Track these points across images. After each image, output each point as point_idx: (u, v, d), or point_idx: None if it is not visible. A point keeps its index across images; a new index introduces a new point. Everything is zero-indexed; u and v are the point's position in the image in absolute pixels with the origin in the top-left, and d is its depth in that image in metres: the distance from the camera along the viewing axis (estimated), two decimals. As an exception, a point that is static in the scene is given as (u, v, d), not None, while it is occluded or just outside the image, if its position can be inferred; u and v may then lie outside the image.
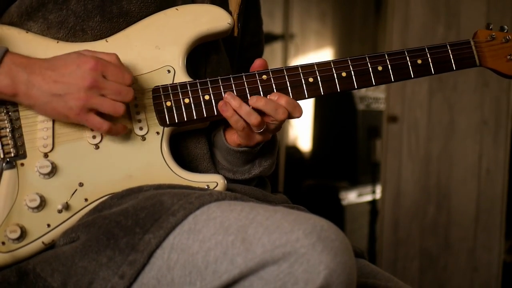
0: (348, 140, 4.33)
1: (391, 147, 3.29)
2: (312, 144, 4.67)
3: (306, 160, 4.56)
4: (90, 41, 1.11)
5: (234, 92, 1.13)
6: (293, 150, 4.50)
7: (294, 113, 1.13)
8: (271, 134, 1.19)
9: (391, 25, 3.26)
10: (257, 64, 1.16)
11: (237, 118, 1.11)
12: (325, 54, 5.20)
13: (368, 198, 4.19)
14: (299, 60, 4.80)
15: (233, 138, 1.18)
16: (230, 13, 1.21)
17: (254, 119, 1.11)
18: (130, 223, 0.96)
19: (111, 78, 1.02)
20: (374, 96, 4.41)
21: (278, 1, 4.14)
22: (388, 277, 1.17)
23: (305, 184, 4.26)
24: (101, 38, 1.11)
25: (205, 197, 0.98)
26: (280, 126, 1.17)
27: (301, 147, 4.73)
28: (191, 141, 1.19)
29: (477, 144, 3.15)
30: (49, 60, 1.03)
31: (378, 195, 3.90)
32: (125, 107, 1.03)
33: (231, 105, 1.11)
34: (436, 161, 3.22)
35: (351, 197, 4.14)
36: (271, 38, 4.07)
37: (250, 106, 1.12)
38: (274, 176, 3.77)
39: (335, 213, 3.99)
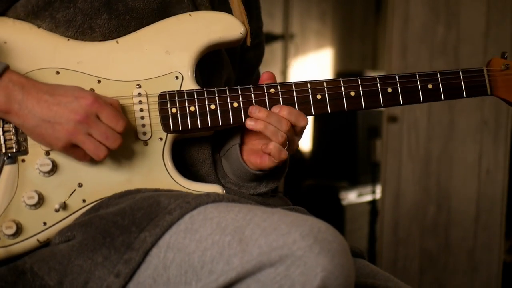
0: (348, 140, 4.33)
1: (391, 147, 3.29)
2: (312, 144, 4.67)
3: (306, 160, 4.57)
4: (100, 39, 1.10)
5: (241, 104, 1.12)
6: (293, 150, 4.49)
7: (299, 122, 1.12)
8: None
9: (391, 25, 3.26)
10: (265, 77, 1.15)
11: (273, 129, 1.09)
12: (325, 54, 5.20)
13: (368, 198, 4.19)
14: (299, 60, 4.79)
15: (253, 160, 1.15)
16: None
17: (285, 125, 1.10)
18: (126, 223, 0.96)
19: (104, 120, 1.01)
20: (374, 96, 4.40)
21: (278, 1, 4.14)
22: (388, 277, 1.16)
23: (305, 184, 4.26)
24: (109, 35, 1.10)
25: (202, 197, 0.98)
26: (295, 143, 1.15)
27: (301, 147, 4.73)
28: (194, 145, 1.18)
29: (477, 144, 3.14)
30: (50, 85, 1.02)
31: (378, 195, 3.90)
32: (107, 152, 1.01)
33: (259, 117, 1.10)
34: (436, 161, 3.22)
35: (351, 197, 4.14)
36: (271, 38, 4.07)
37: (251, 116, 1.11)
38: (274, 176, 3.77)
39: (335, 213, 3.99)
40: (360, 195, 4.20)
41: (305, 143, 4.79)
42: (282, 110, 1.11)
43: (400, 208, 3.28)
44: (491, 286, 3.12)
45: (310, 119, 4.93)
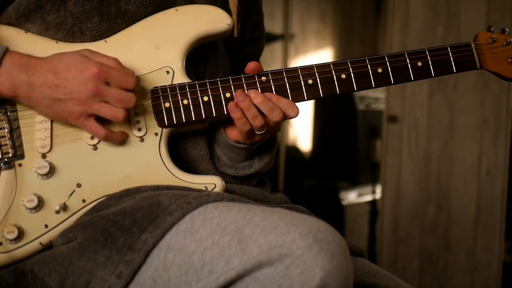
0: (348, 140, 4.33)
1: (391, 147, 3.29)
2: (312, 144, 4.67)
3: (306, 160, 4.56)
4: (89, 41, 1.11)
5: (233, 94, 1.12)
6: (293, 150, 4.50)
7: (289, 112, 1.13)
8: (269, 135, 1.19)
9: (391, 25, 3.26)
10: (251, 67, 1.15)
11: (244, 121, 1.11)
12: (325, 54, 5.20)
13: (368, 198, 4.19)
14: (299, 60, 4.79)
15: (232, 134, 1.18)
16: (230, 13, 1.20)
17: (258, 122, 1.11)
18: (127, 223, 0.96)
19: (114, 84, 1.03)
20: (374, 96, 4.41)
21: (278, 1, 4.14)
22: (388, 276, 1.17)
23: (305, 184, 4.26)
24: (100, 38, 1.11)
25: (203, 197, 0.98)
26: (279, 126, 1.17)
27: (301, 147, 4.73)
28: (190, 142, 1.19)
29: (477, 144, 3.15)
30: (50, 61, 1.03)
31: (378, 195, 3.90)
32: (126, 113, 1.04)
33: (240, 106, 1.11)
34: (436, 161, 3.22)
35: (351, 197, 4.13)
36: (271, 38, 4.06)
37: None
38: (274, 176, 3.77)
39: (335, 213, 3.99)
40: (360, 195, 4.20)
41: (305, 143, 4.79)
42: (256, 97, 1.11)
43: (400, 208, 3.28)
44: (491, 286, 3.12)
45: (310, 118, 4.90)
